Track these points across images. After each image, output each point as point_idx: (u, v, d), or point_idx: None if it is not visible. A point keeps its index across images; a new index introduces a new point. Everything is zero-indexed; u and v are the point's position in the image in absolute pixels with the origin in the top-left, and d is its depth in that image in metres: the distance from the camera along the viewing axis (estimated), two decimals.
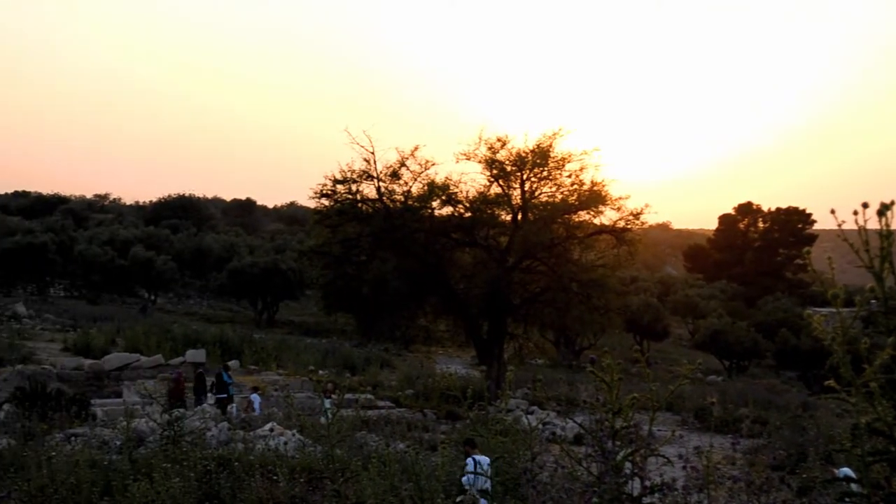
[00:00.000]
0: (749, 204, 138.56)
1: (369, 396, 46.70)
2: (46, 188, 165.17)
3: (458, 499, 15.67)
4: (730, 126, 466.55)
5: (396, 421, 37.53)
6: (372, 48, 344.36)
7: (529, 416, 34.00)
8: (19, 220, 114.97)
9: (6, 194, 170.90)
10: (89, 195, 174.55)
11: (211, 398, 41.11)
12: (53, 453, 19.30)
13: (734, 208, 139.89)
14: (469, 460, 17.94)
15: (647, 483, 7.18)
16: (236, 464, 18.92)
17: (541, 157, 51.87)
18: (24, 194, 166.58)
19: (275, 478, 18.67)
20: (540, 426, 15.42)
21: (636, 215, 52.04)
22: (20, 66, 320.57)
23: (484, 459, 17.41)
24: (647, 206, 52.43)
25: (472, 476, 17.36)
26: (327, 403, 21.62)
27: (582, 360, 78.71)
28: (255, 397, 40.38)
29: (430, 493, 14.16)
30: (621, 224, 52.31)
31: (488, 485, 15.77)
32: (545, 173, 52.47)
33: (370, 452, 19.57)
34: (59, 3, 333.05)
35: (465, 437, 20.42)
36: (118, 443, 22.43)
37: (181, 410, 28.41)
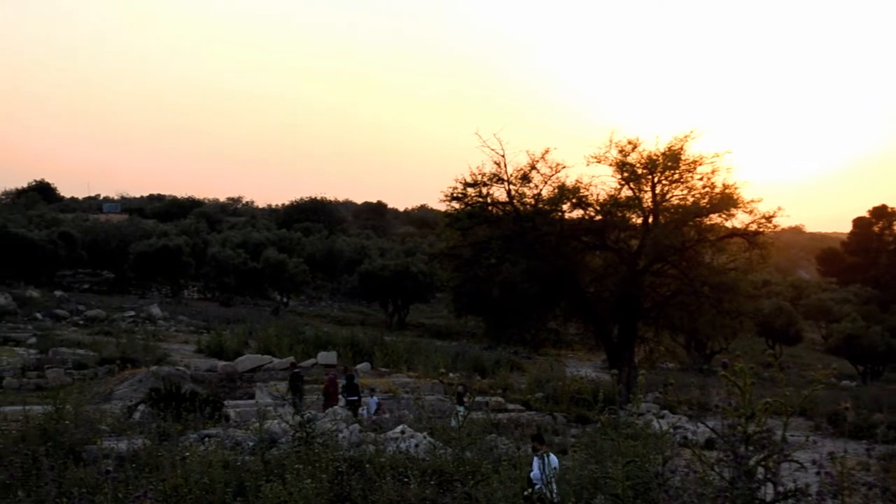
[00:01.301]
0: (884, 207, 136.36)
1: (499, 399, 46.62)
2: (181, 192, 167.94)
3: (526, 492, 15.67)
4: (865, 127, 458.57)
5: (526, 424, 37.44)
6: (503, 51, 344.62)
7: (660, 421, 33.72)
8: (154, 224, 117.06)
9: (142, 198, 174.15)
10: (223, 198, 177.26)
11: (342, 400, 41.30)
12: (187, 453, 19.55)
13: (868, 211, 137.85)
14: (536, 458, 17.94)
15: (780, 488, 7.10)
16: (367, 465, 19.00)
17: (672, 159, 51.49)
18: (159, 198, 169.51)
19: (405, 480, 18.74)
20: (671, 430, 15.29)
21: (768, 218, 51.38)
22: (155, 75, 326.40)
23: (553, 459, 17.42)
24: (779, 209, 51.72)
25: (539, 472, 17.38)
26: (461, 410, 21.41)
27: (713, 363, 77.86)
28: (372, 400, 40.52)
29: (560, 497, 14.12)
30: (753, 227, 51.67)
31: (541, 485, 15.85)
32: (676, 176, 52.06)
33: (500, 455, 19.54)
34: (187, 11, 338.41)
35: (534, 434, 20.38)
36: (251, 444, 22.65)
37: (334, 409, 28.55)
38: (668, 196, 52.56)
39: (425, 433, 25.47)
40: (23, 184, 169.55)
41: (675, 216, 52.02)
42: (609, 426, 17.81)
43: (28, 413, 25.23)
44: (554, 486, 16.69)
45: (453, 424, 18.34)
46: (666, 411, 45.88)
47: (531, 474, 17.25)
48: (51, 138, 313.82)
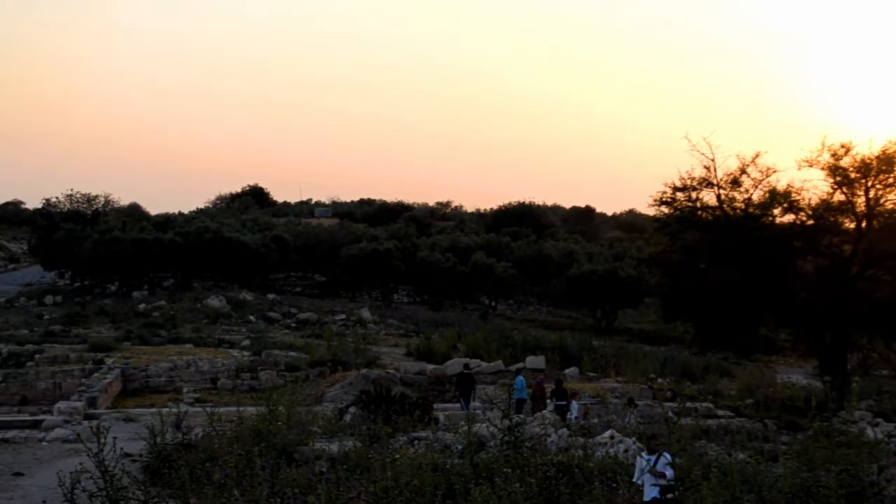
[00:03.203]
0: None
1: (709, 405, 46.10)
2: (391, 196, 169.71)
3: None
4: None
5: (736, 431, 36.90)
6: (709, 50, 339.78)
7: (874, 429, 32.98)
8: (365, 228, 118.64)
9: (352, 202, 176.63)
10: (431, 203, 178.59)
11: (551, 405, 41.22)
12: (397, 456, 19.81)
13: None
14: (644, 456, 17.78)
15: None
16: (576, 470, 19.00)
17: (886, 163, 50.30)
18: (369, 202, 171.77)
19: (614, 485, 18.69)
20: (886, 439, 14.96)
21: None
22: (370, 84, 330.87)
23: (666, 457, 17.25)
24: None
25: (640, 471, 17.24)
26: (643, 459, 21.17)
27: None
28: (574, 405, 40.34)
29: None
30: None
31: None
32: (891, 180, 50.85)
33: (710, 462, 19.33)
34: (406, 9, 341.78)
35: (650, 433, 20.15)
36: (459, 447, 22.81)
37: (542, 414, 28.57)
38: (882, 200, 51.37)
39: (633, 438, 25.36)
40: (237, 188, 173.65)
41: (890, 221, 50.83)
42: (822, 434, 17.52)
43: (242, 414, 25.90)
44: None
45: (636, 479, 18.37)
46: (880, 419, 44.81)
47: (669, 474, 17.16)
48: (265, 144, 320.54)
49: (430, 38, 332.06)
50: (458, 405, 42.10)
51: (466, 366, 46.40)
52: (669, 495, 16.64)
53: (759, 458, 23.62)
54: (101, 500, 14.71)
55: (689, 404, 41.42)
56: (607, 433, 27.19)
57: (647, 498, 17.47)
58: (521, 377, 43.02)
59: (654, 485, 17.10)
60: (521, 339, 63.33)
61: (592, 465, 20.02)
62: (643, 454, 18.02)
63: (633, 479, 18.21)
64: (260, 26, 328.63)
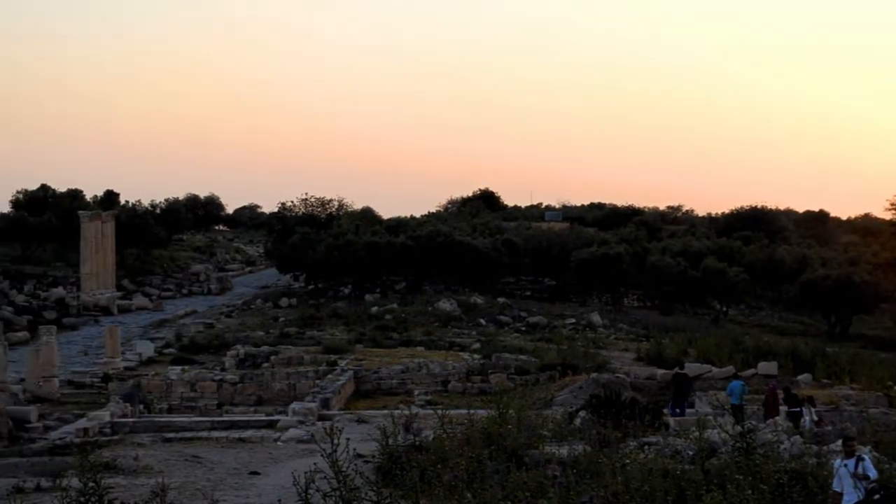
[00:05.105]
0: None
1: None
2: (621, 200, 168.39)
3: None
4: None
5: None
6: None
7: None
8: (595, 232, 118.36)
9: (582, 206, 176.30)
10: (662, 207, 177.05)
11: (783, 413, 40.59)
12: (627, 461, 19.76)
13: None
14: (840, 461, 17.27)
15: None
16: (810, 478, 18.69)
17: None
18: (599, 206, 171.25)
19: None
20: None
21: None
22: (592, 79, 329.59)
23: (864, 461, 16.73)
24: None
25: (840, 477, 16.74)
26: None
27: None
28: (806, 411, 39.59)
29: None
30: None
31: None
32: None
33: None
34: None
35: (847, 433, 19.53)
36: (690, 453, 22.63)
37: (775, 420, 28.19)
38: None
39: (869, 447, 24.78)
40: (468, 192, 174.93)
41: None
42: None
43: (472, 416, 26.10)
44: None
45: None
46: None
47: (872, 475, 16.71)
48: (496, 148, 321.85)
49: (661, 37, 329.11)
50: (683, 409, 41.80)
51: (681, 366, 45.94)
52: (876, 497, 16.30)
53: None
54: (334, 500, 15.03)
55: None
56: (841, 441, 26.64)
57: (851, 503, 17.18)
58: (736, 382, 42.56)
59: (858, 487, 16.77)
60: (753, 344, 62.52)
61: (826, 474, 19.64)
62: (839, 459, 17.71)
63: (833, 488, 17.87)
64: (493, 33, 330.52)
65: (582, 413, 34.67)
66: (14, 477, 25.92)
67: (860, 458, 17.25)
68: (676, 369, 44.98)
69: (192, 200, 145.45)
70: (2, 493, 22.84)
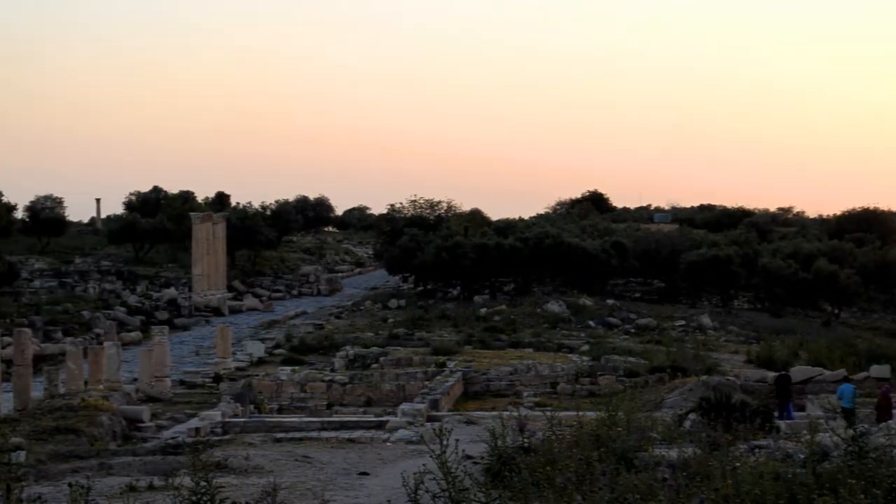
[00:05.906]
0: None
1: None
2: (731, 202, 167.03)
3: None
4: None
5: None
6: None
7: None
8: (704, 234, 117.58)
9: (692, 208, 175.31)
10: (773, 208, 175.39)
11: None
12: (738, 464, 19.61)
13: None
14: None
15: None
16: None
17: None
18: (709, 208, 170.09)
19: None
20: None
21: None
22: (695, 87, 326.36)
23: None
24: None
25: None
26: None
27: None
28: None
29: None
30: None
31: None
32: None
33: None
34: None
35: None
36: (801, 456, 22.41)
37: (888, 424, 27.85)
38: None
39: None
40: (577, 194, 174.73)
41: None
42: None
43: (581, 418, 26.04)
44: None
45: None
46: None
47: None
48: (604, 149, 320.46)
49: (776, 39, 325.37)
50: (792, 412, 41.46)
51: (785, 367, 45.60)
52: None
53: None
54: (443, 501, 15.06)
55: None
56: None
57: None
58: (847, 385, 42.09)
59: None
60: (866, 347, 61.74)
61: None
62: None
63: None
64: (606, 32, 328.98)
65: (691, 416, 34.45)
66: (127, 475, 26.23)
67: None
68: (781, 373, 44.71)
69: (302, 202, 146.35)
70: (115, 491, 23.13)
